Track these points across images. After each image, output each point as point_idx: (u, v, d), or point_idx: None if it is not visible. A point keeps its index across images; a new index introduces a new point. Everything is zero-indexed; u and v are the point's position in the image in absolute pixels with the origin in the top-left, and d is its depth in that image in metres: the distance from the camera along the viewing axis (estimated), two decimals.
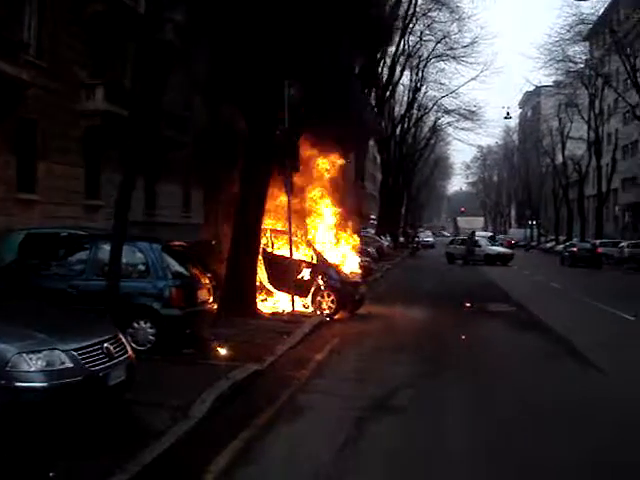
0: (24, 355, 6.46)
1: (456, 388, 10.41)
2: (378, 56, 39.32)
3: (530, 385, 10.77)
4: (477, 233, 59.24)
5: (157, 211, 28.88)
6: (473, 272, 38.45)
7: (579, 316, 19.68)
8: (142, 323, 11.31)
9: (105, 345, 7.23)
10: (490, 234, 56.04)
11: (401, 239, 65.46)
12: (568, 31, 48.33)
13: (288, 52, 15.71)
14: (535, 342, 15.04)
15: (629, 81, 47.90)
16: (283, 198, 17.94)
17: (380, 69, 44.47)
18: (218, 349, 11.70)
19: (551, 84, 64.38)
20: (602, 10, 48.10)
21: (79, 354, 6.84)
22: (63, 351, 6.73)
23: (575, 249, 47.76)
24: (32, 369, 6.48)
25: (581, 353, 13.34)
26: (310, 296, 17.94)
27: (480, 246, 47.42)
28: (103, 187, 24.73)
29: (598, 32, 52.03)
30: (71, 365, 6.72)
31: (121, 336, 7.74)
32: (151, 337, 11.30)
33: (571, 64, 53.10)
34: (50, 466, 6.01)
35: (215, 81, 16.09)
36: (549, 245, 70.42)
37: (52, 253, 13.04)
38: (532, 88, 76.83)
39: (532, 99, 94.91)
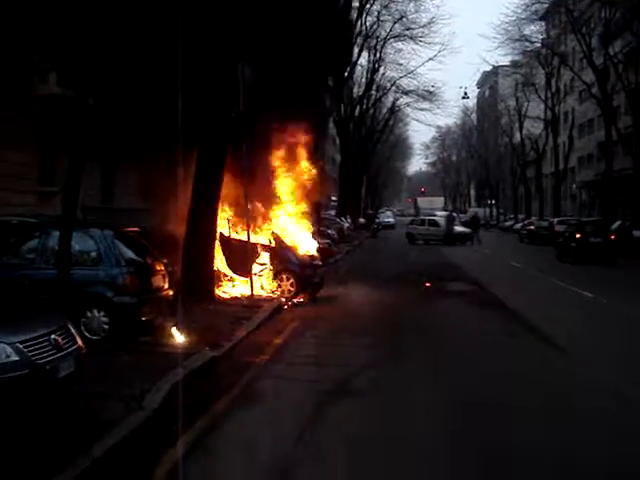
0: None
1: (415, 370, 10.38)
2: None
3: (488, 363, 10.80)
4: (437, 213, 59.60)
5: (114, 197, 28.41)
6: (433, 252, 38.61)
7: (536, 293, 19.95)
8: (95, 312, 11.05)
9: (53, 336, 7.01)
10: (447, 213, 56.25)
11: (362, 220, 65.49)
12: (524, 10, 48.41)
13: (242, 33, 15.46)
14: (493, 318, 15.33)
15: (585, 60, 48.24)
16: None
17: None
18: (174, 336, 11.50)
19: (508, 64, 64.64)
20: None
21: (25, 346, 6.63)
22: (8, 344, 6.51)
23: (532, 227, 48.43)
24: None
25: (538, 329, 13.48)
26: (269, 279, 17.82)
27: (439, 226, 47.70)
28: (59, 174, 24.20)
29: (554, 11, 52.22)
30: (17, 358, 6.51)
31: (70, 326, 7.52)
32: (105, 326, 11.07)
33: (527, 43, 53.28)
34: None
35: (169, 64, 15.77)
36: (508, 224, 71.01)
37: (2, 241, 12.68)
38: (489, 68, 77.16)
39: (489, 79, 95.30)
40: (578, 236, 31.71)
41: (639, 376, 9.94)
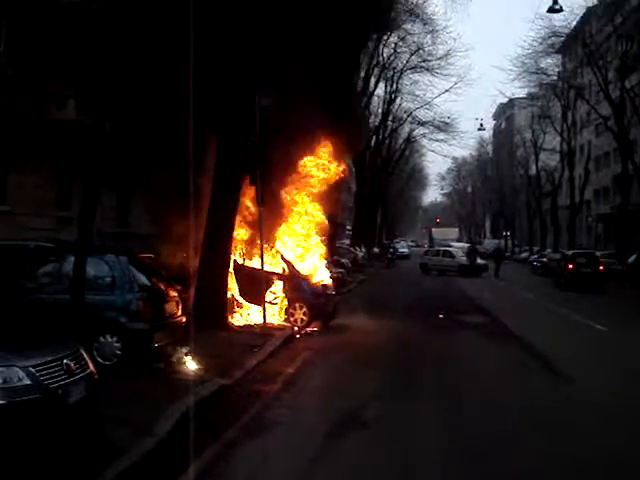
0: None
1: (427, 403, 10.31)
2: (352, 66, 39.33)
3: (500, 396, 10.73)
4: (455, 244, 59.28)
5: (130, 223, 28.59)
6: (447, 283, 38.49)
7: (549, 325, 19.88)
8: (108, 337, 11.10)
9: (65, 361, 7.05)
10: (470, 245, 55.56)
11: (376, 250, 65.42)
12: (541, 44, 48.61)
13: (260, 62, 15.63)
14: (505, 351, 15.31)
15: (601, 93, 48.29)
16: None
17: (354, 80, 44.49)
18: (186, 363, 11.51)
19: (524, 96, 64.81)
20: (574, 23, 48.49)
21: (37, 370, 6.66)
22: (21, 368, 6.55)
23: (545, 260, 48.37)
24: None
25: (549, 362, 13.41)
26: (282, 308, 17.83)
27: (454, 257, 47.58)
28: (76, 198, 24.40)
29: (571, 45, 52.41)
30: (29, 382, 6.55)
31: (82, 351, 7.56)
32: (117, 351, 11.11)
33: (544, 76, 53.43)
34: None
35: (185, 92, 15.95)
36: (523, 256, 70.71)
37: (19, 266, 12.78)
38: (506, 100, 77.33)
39: (506, 111, 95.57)
40: (570, 267, 34.78)
41: None
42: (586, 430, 8.87)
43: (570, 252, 40.31)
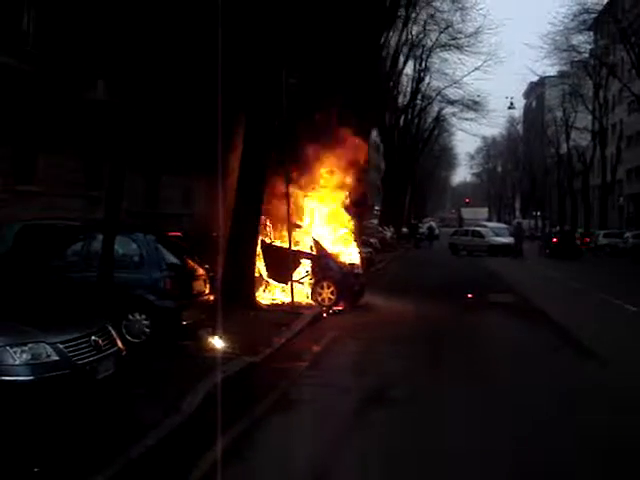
0: (8, 348, 6.34)
1: (454, 380, 10.25)
2: (381, 42, 39.03)
3: (527, 378, 10.64)
4: (489, 224, 58.56)
5: (159, 202, 28.76)
6: (475, 263, 38.30)
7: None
8: (137, 315, 11.19)
9: (93, 338, 7.09)
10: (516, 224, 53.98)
11: (405, 230, 65.20)
12: (572, 20, 47.92)
13: (287, 41, 15.56)
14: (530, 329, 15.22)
15: (634, 71, 47.52)
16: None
17: (383, 59, 44.19)
18: (214, 341, 11.56)
19: (555, 74, 63.99)
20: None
21: (65, 347, 6.71)
22: (49, 344, 6.60)
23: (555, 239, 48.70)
24: (17, 362, 6.36)
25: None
26: (310, 287, 17.84)
27: (483, 237, 47.21)
28: (105, 179, 24.54)
29: (602, 21, 51.53)
30: (57, 358, 6.60)
31: (110, 328, 7.61)
32: (146, 329, 11.19)
33: (575, 54, 52.73)
34: (36, 461, 5.89)
35: (213, 70, 15.95)
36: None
37: (48, 245, 12.90)
38: (536, 78, 76.46)
39: (536, 89, 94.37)
40: (555, 240, 46.25)
41: None
42: None
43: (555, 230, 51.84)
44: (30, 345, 6.47)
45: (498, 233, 48.65)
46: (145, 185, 26.92)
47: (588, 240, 51.33)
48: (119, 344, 7.60)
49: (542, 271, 33.32)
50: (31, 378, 6.41)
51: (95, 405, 7.13)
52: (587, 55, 54.06)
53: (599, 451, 7.16)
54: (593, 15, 48.82)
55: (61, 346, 6.67)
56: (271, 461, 6.91)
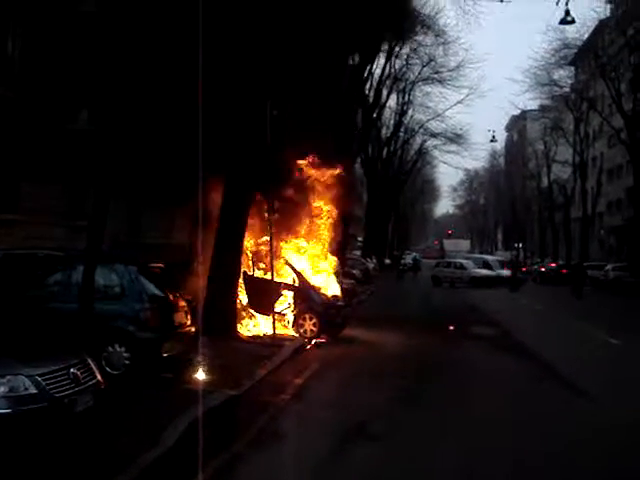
0: None
1: (435, 417, 10.21)
2: (364, 77, 39.41)
3: (510, 413, 10.62)
4: (485, 257, 58.79)
5: (141, 232, 28.63)
6: (458, 295, 38.39)
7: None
8: (117, 346, 11.08)
9: (72, 370, 7.03)
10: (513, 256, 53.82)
11: (387, 261, 65.30)
12: (553, 55, 48.76)
13: (272, 73, 15.66)
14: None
15: (614, 105, 48.21)
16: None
17: (367, 91, 44.57)
18: (195, 373, 11.47)
19: (536, 108, 64.79)
20: (587, 35, 48.52)
21: (44, 379, 6.64)
22: (27, 376, 6.54)
23: (543, 269, 54.85)
24: None
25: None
26: (292, 319, 17.78)
27: (466, 269, 47.40)
28: (88, 208, 24.44)
29: (583, 56, 52.41)
30: (35, 391, 6.53)
31: (89, 361, 7.54)
32: (126, 361, 11.08)
33: (556, 88, 53.57)
34: None
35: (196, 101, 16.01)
36: (534, 267, 70.38)
37: (29, 274, 12.80)
38: (518, 112, 77.23)
39: (518, 123, 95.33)
40: (542, 269, 53.65)
41: None
42: None
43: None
44: (8, 377, 6.40)
45: (478, 265, 48.94)
46: (127, 214, 26.80)
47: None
48: (98, 376, 7.54)
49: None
50: (8, 411, 6.33)
51: (73, 438, 7.04)
52: (568, 89, 54.88)
53: None
54: (574, 50, 49.65)
55: (39, 379, 6.60)
56: None
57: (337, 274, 20.26)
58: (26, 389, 6.47)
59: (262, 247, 18.25)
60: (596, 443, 8.73)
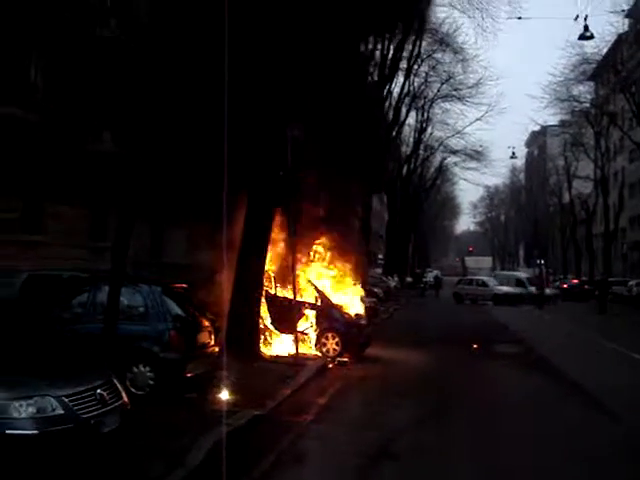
0: (14, 402, 6.34)
1: (460, 437, 10.17)
2: (383, 95, 39.50)
3: (532, 426, 10.56)
4: (517, 274, 58.58)
5: (164, 252, 28.80)
6: (479, 312, 38.23)
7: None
8: (141, 367, 11.14)
9: (98, 391, 7.10)
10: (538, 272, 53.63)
11: (409, 279, 65.13)
12: (572, 71, 48.68)
13: (292, 95, 15.76)
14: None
15: (634, 119, 47.98)
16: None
17: (385, 110, 44.66)
18: (219, 393, 11.50)
19: (557, 123, 64.61)
20: (605, 50, 48.45)
21: (71, 400, 6.71)
22: (54, 397, 6.61)
23: (566, 285, 55.53)
24: (22, 416, 6.37)
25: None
26: (314, 338, 17.77)
27: (487, 286, 47.24)
28: (110, 229, 24.66)
29: (602, 71, 52.30)
30: (62, 412, 6.60)
31: (115, 381, 7.60)
32: (150, 382, 11.13)
33: (576, 103, 53.37)
34: None
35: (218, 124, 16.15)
36: (557, 284, 69.95)
37: (54, 295, 12.94)
38: (538, 128, 77.07)
39: (538, 138, 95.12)
40: (564, 286, 54.13)
41: None
42: None
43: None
44: (36, 398, 6.48)
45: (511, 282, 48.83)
46: (150, 235, 27.00)
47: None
48: (124, 397, 7.59)
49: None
50: (35, 432, 6.39)
51: (100, 459, 7.10)
52: (588, 104, 54.70)
53: None
54: (593, 65, 49.55)
55: (66, 400, 6.67)
56: None
57: (359, 293, 20.22)
58: (53, 410, 6.54)
59: (284, 266, 18.28)
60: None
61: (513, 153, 75.13)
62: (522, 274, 54.96)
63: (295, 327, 17.10)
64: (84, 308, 11.99)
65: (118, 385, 7.63)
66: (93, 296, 11.97)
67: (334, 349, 17.57)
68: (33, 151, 20.93)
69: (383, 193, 60.58)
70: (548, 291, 47.67)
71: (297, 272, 17.69)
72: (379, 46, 35.16)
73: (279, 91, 15.54)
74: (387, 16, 21.44)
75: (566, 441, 9.81)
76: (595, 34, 38.30)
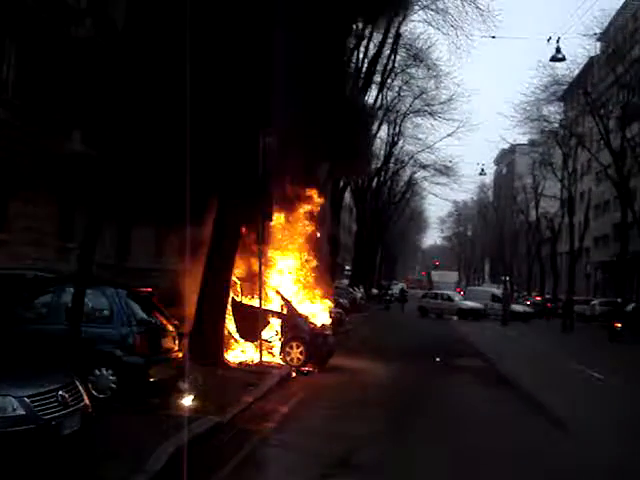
0: None
1: (421, 446, 10.24)
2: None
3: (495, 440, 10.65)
4: (483, 289, 58.83)
5: (130, 255, 28.58)
6: (444, 326, 38.45)
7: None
8: (104, 370, 11.05)
9: (60, 393, 7.03)
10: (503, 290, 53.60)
11: (375, 291, 65.30)
12: (543, 91, 49.34)
13: (264, 102, 15.79)
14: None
15: (602, 142, 48.70)
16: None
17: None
18: (181, 399, 11.43)
19: (526, 142, 65.30)
20: (577, 72, 49.24)
21: (32, 401, 6.64)
22: (15, 397, 6.53)
23: (529, 302, 56.41)
24: None
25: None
26: (279, 347, 17.75)
27: (452, 301, 47.61)
28: (77, 230, 24.42)
29: (572, 93, 53.05)
30: (23, 412, 6.53)
31: (77, 384, 7.54)
32: (113, 385, 11.04)
33: (546, 123, 54.03)
34: None
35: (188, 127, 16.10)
36: (521, 301, 70.60)
37: (16, 295, 12.78)
38: (507, 146, 77.80)
39: (507, 156, 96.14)
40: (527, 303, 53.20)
41: None
42: None
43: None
44: None
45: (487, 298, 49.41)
46: (117, 238, 26.78)
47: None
48: (86, 400, 7.53)
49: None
50: None
51: (59, 462, 7.02)
52: (557, 125, 55.41)
53: None
54: (563, 87, 50.28)
55: (28, 400, 6.60)
56: None
57: (326, 303, 20.26)
58: (14, 410, 6.47)
59: (251, 273, 18.27)
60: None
61: (482, 170, 75.89)
62: (496, 290, 55.42)
63: (259, 335, 17.09)
64: (48, 308, 11.87)
65: (80, 387, 7.56)
66: (57, 297, 11.85)
67: (298, 358, 17.56)
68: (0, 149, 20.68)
69: (353, 206, 60.76)
70: (519, 308, 48.08)
71: (264, 280, 17.70)
72: (354, 59, 35.33)
73: (252, 95, 15.53)
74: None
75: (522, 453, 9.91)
76: (567, 56, 39.01)
